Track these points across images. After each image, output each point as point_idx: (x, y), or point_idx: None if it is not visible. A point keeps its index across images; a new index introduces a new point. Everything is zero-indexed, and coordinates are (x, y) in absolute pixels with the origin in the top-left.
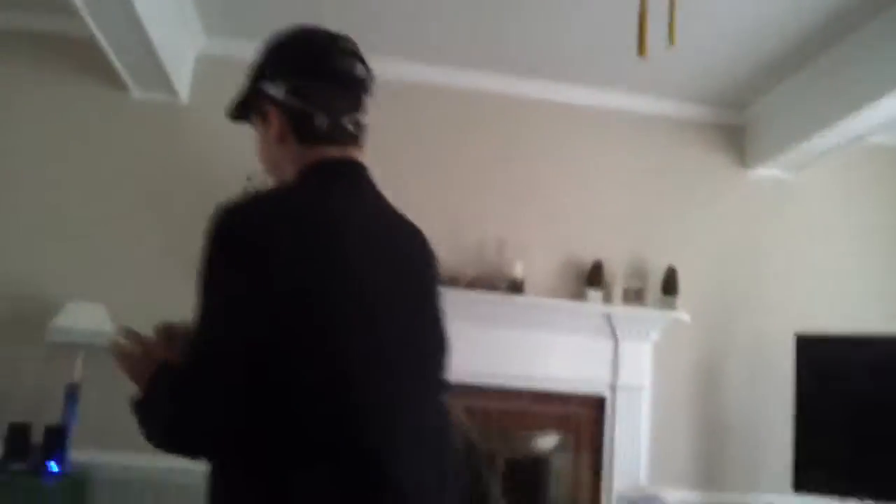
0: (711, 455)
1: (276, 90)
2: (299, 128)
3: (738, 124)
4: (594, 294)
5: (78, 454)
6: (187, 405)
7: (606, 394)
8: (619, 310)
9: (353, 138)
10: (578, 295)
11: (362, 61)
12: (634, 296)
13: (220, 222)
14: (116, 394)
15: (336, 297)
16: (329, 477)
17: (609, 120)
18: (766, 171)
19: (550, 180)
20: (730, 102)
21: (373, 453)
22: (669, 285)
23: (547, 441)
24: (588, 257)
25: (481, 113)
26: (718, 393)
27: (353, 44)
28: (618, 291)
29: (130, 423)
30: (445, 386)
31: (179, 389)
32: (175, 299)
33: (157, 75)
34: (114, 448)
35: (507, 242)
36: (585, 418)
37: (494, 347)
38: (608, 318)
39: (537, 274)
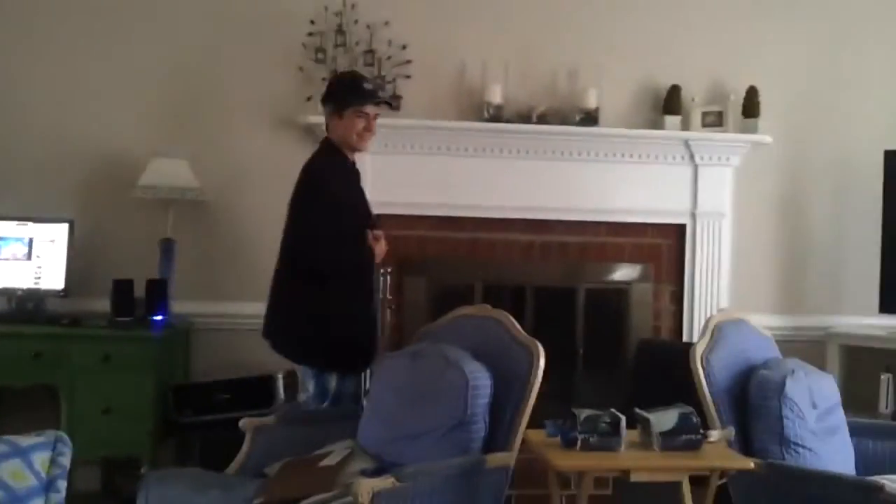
0: (794, 280)
1: None
2: None
3: None
4: (672, 120)
5: (177, 305)
6: None
7: (686, 221)
8: (698, 135)
9: None
10: (655, 123)
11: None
12: (714, 120)
13: None
14: (207, 246)
15: None
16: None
17: None
18: None
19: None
20: None
21: None
22: (750, 107)
23: (627, 272)
24: (664, 82)
25: None
26: (802, 217)
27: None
28: (696, 117)
29: (221, 273)
30: None
31: None
32: (250, 151)
33: None
34: (208, 298)
35: (579, 72)
36: (665, 248)
37: (569, 181)
38: (686, 145)
39: (612, 103)
